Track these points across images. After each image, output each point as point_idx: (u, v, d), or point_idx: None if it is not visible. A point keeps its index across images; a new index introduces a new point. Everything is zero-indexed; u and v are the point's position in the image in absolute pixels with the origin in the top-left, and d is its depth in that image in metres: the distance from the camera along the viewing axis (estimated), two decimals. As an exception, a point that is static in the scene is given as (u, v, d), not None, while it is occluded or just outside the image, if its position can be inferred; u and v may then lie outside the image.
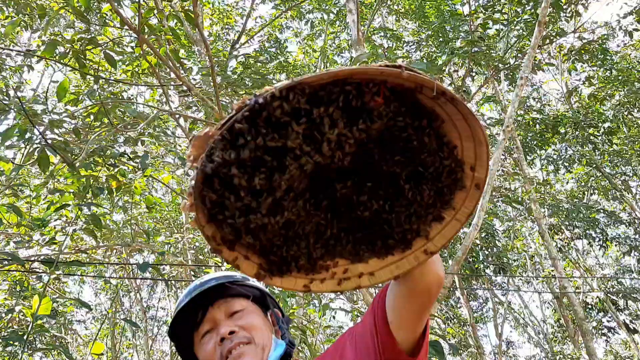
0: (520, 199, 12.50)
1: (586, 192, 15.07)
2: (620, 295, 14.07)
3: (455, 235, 1.08)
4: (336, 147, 0.93)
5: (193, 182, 0.90)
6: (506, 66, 8.92)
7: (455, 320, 16.92)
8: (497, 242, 13.12)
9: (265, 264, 1.04)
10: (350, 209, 1.05)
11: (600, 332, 15.12)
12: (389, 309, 1.22)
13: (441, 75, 8.41)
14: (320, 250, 1.07)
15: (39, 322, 3.63)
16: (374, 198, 1.04)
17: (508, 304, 18.08)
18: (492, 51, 8.33)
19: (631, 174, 16.00)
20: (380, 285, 1.21)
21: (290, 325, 1.69)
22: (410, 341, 1.21)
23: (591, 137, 12.79)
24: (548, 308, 20.16)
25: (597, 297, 14.39)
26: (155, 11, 5.53)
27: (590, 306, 14.48)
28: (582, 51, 10.89)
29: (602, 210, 13.50)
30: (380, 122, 0.93)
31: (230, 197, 0.93)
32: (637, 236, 12.77)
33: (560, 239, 14.49)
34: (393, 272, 1.09)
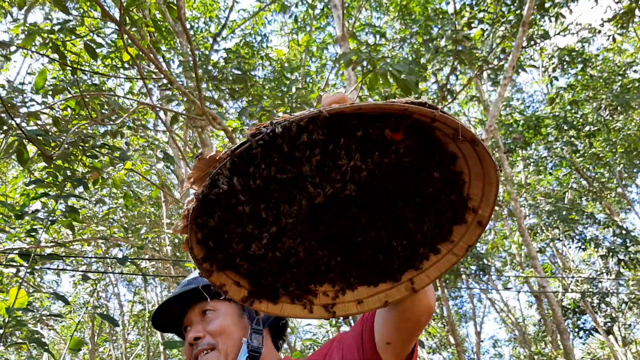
0: (501, 199, 12.59)
1: (566, 193, 15.23)
2: (596, 297, 14.26)
3: (450, 268, 1.04)
4: (349, 178, 0.90)
5: (190, 205, 0.85)
6: (490, 66, 8.96)
7: (436, 319, 17.05)
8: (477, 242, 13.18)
9: (254, 289, 1.02)
10: (345, 235, 1.03)
11: (576, 334, 15.31)
12: (377, 328, 1.21)
13: (424, 74, 8.42)
14: (311, 276, 1.04)
15: (18, 313, 3.57)
16: (372, 226, 1.01)
17: (491, 303, 18.25)
18: (477, 50, 8.37)
19: (610, 176, 16.22)
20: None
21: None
22: None
23: (572, 139, 12.92)
24: (530, 307, 20.42)
25: (572, 298, 14.56)
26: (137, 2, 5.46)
27: (566, 308, 14.64)
28: (565, 52, 10.98)
29: (581, 212, 13.63)
30: (395, 155, 0.91)
31: (231, 224, 0.90)
32: (614, 238, 12.90)
33: (541, 240, 14.62)
34: (382, 301, 1.07)
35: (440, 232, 1.02)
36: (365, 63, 5.31)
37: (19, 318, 3.83)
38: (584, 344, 18.07)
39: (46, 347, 4.18)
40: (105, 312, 14.82)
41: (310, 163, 0.85)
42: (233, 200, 0.86)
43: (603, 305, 14.72)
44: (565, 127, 12.47)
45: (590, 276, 15.26)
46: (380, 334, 1.19)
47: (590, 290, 14.52)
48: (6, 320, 3.46)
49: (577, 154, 14.10)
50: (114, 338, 17.59)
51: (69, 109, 6.19)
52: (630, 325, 16.64)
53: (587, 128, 12.56)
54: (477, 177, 0.97)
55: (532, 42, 9.20)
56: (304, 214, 0.94)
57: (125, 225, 8.78)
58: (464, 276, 14.00)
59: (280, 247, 0.96)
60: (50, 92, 6.18)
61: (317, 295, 1.06)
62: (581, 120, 12.75)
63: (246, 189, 0.85)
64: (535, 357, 15.28)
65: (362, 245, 1.03)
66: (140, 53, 5.67)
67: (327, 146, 0.85)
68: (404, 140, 0.89)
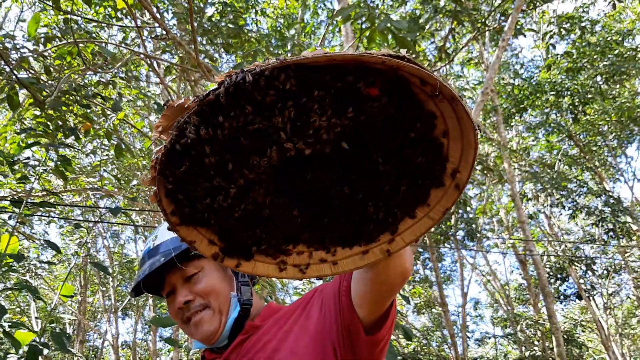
0: (493, 164, 12.63)
1: (558, 162, 15.30)
2: (582, 264, 14.47)
3: (426, 232, 1.03)
4: (323, 135, 0.87)
5: (158, 155, 0.83)
6: (489, 28, 8.86)
7: (419, 280, 17.30)
8: (467, 207, 13.26)
9: (225, 245, 1.00)
10: (321, 195, 1.00)
11: (557, 299, 15.58)
12: (353, 285, 1.21)
13: (423, 34, 8.32)
14: (285, 236, 1.03)
15: (9, 259, 3.56)
16: (348, 187, 0.99)
17: (474, 267, 18.51)
18: (476, 12, 8.26)
19: (601, 145, 16.30)
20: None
21: (260, 279, 1.67)
22: (369, 319, 1.21)
23: (570, 107, 12.90)
24: (512, 272, 20.74)
25: (563, 261, 14.77)
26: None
27: (549, 274, 14.87)
28: (563, 19, 10.88)
29: (574, 179, 13.72)
30: (371, 112, 0.87)
31: (199, 176, 0.87)
32: (602, 208, 13.02)
33: (533, 205, 14.74)
34: (357, 263, 1.06)
35: (418, 195, 1.00)
36: (363, 19, 5.22)
37: (10, 264, 3.84)
38: (562, 309, 18.48)
39: (37, 295, 4.20)
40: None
41: (283, 115, 0.82)
42: (200, 151, 0.83)
43: (589, 273, 14.97)
44: (565, 95, 12.45)
45: (577, 242, 15.46)
46: (356, 292, 1.20)
47: (577, 256, 14.73)
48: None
49: (573, 120, 14.12)
50: (104, 289, 17.75)
51: (61, 59, 6.08)
52: (612, 293, 16.99)
53: (583, 96, 12.53)
54: (456, 139, 0.93)
55: (533, 6, 9.08)
56: (275, 168, 0.92)
57: (118, 176, 8.74)
58: (450, 240, 14.16)
59: (249, 202, 0.94)
60: (42, 40, 6.07)
61: (291, 255, 1.05)
62: (578, 88, 12.71)
63: (214, 139, 0.82)
64: (518, 319, 15.57)
65: (337, 206, 1.01)
66: (135, 1, 5.56)
67: (300, 99, 0.82)
68: (380, 96, 0.86)
